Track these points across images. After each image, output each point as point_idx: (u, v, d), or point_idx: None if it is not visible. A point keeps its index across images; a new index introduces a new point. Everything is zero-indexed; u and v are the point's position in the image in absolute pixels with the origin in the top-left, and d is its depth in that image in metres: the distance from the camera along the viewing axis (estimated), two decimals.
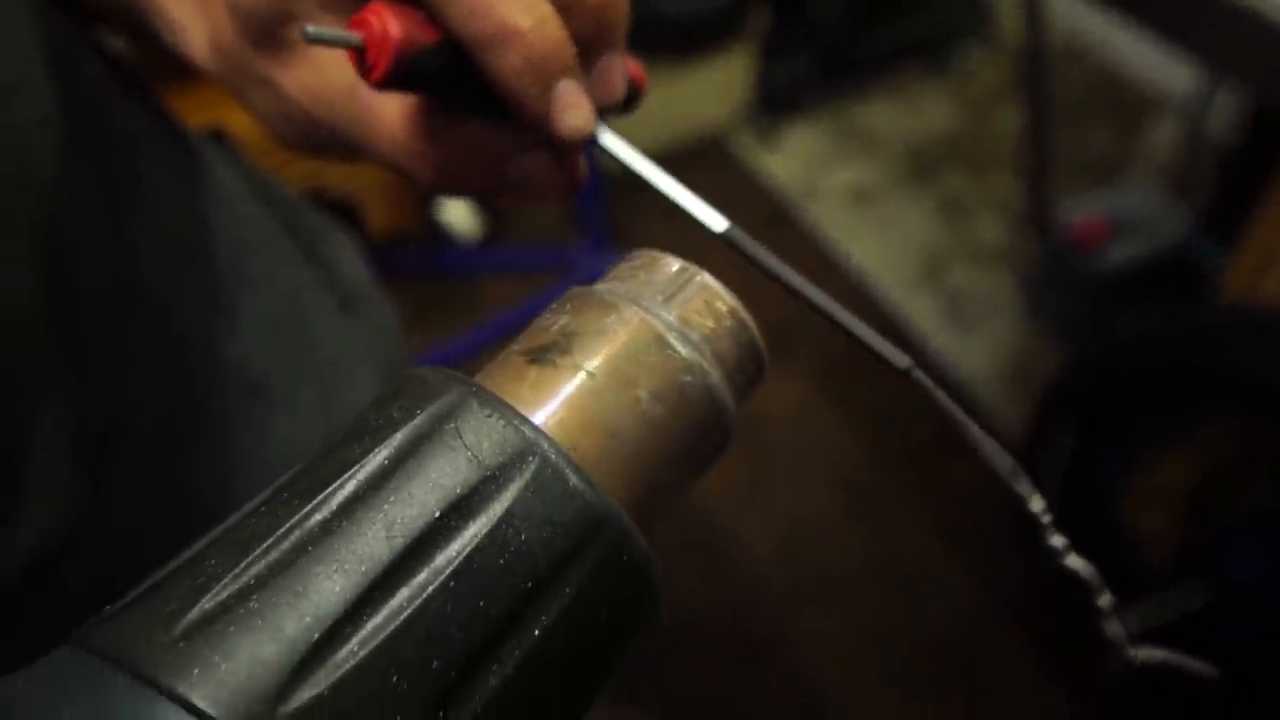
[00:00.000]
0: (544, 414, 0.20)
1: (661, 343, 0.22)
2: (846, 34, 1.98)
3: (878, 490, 1.47)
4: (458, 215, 1.75)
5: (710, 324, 0.23)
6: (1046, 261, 1.51)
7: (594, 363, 0.21)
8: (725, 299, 0.23)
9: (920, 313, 1.70)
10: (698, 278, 0.24)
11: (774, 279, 0.26)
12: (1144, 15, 0.94)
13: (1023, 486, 0.24)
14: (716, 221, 0.27)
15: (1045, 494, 0.95)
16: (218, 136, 0.50)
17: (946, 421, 0.25)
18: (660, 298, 0.23)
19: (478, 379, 0.21)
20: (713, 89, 1.94)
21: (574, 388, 0.21)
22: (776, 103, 2.02)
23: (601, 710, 0.20)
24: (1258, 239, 0.99)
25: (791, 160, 1.98)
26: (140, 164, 0.36)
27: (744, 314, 0.24)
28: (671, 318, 0.23)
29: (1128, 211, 1.43)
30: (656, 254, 0.24)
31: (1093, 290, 1.43)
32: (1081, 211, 1.44)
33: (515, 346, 0.22)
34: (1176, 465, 1.10)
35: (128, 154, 0.35)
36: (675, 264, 0.24)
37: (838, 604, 1.36)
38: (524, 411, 0.20)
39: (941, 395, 0.25)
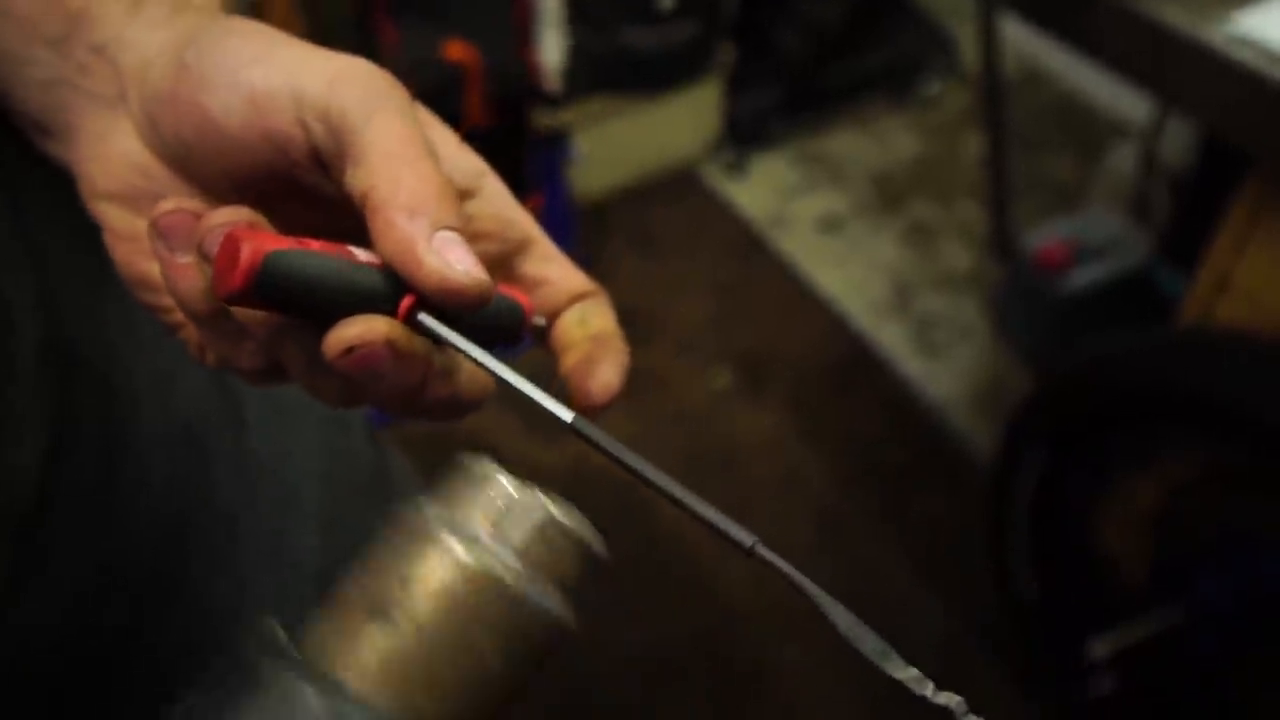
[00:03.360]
0: (382, 680, 0.21)
1: (502, 591, 0.22)
2: (811, 66, 2.01)
3: (852, 519, 1.47)
4: None
5: (550, 555, 0.23)
6: (1012, 285, 1.53)
7: (431, 616, 0.22)
8: (564, 524, 0.24)
9: (889, 338, 1.71)
10: (538, 505, 0.24)
11: (621, 466, 0.26)
12: (1095, 50, 0.97)
13: (892, 665, 0.24)
14: (563, 413, 0.26)
15: (1017, 516, 0.95)
16: None
17: (801, 590, 0.26)
18: (497, 526, 0.24)
19: (320, 631, 0.23)
20: (682, 122, 1.97)
21: (413, 647, 0.22)
22: (744, 134, 2.04)
23: None
24: (1212, 264, 1.01)
25: (760, 190, 2.00)
26: (62, 220, 0.35)
27: (584, 533, 0.24)
28: (510, 555, 0.23)
29: (1091, 235, 1.45)
30: (492, 469, 0.24)
31: (1058, 313, 1.45)
32: (1045, 236, 1.47)
33: (353, 591, 0.23)
34: (1146, 487, 1.12)
35: (52, 210, 0.34)
36: (510, 484, 0.24)
37: (816, 635, 1.36)
38: (364, 681, 0.21)
39: (790, 571, 0.26)
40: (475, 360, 0.26)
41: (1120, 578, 1.14)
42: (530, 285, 0.32)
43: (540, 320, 0.31)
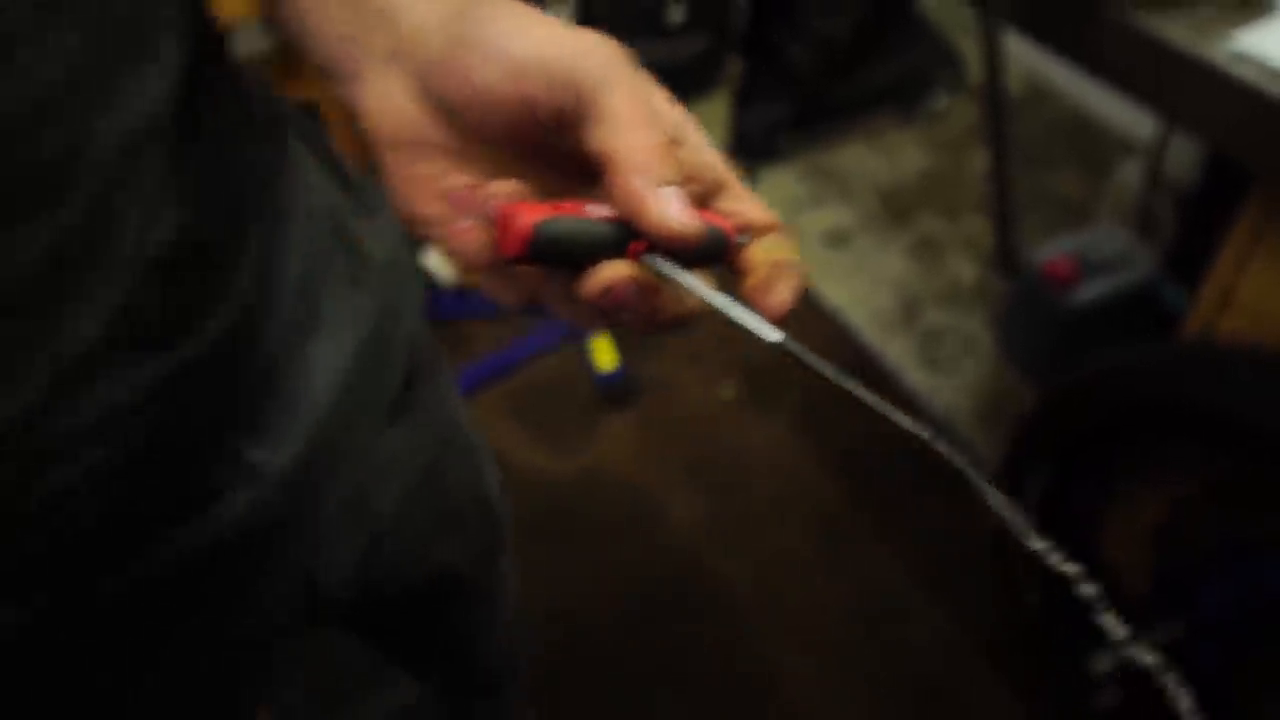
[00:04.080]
0: None
1: None
2: (820, 81, 2.03)
3: (857, 530, 1.48)
4: (437, 260, 1.77)
5: None
6: (1017, 301, 1.54)
7: None
8: None
9: (895, 352, 1.72)
10: None
11: (829, 381, 0.32)
12: (1097, 66, 0.98)
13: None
14: (772, 333, 0.33)
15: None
16: (307, 110, 0.55)
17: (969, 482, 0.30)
18: None
19: None
20: None
21: None
22: (753, 148, 2.06)
23: None
24: (1216, 279, 1.01)
25: (768, 204, 2.01)
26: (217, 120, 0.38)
27: None
28: None
29: (1096, 251, 1.46)
30: None
31: (1063, 328, 1.45)
32: (1051, 251, 1.47)
33: None
34: (1149, 499, 1.12)
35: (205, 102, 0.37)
36: None
37: (822, 644, 1.36)
38: None
39: (963, 464, 0.31)
40: (694, 290, 0.33)
41: (1123, 590, 1.15)
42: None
43: (743, 238, 0.37)
